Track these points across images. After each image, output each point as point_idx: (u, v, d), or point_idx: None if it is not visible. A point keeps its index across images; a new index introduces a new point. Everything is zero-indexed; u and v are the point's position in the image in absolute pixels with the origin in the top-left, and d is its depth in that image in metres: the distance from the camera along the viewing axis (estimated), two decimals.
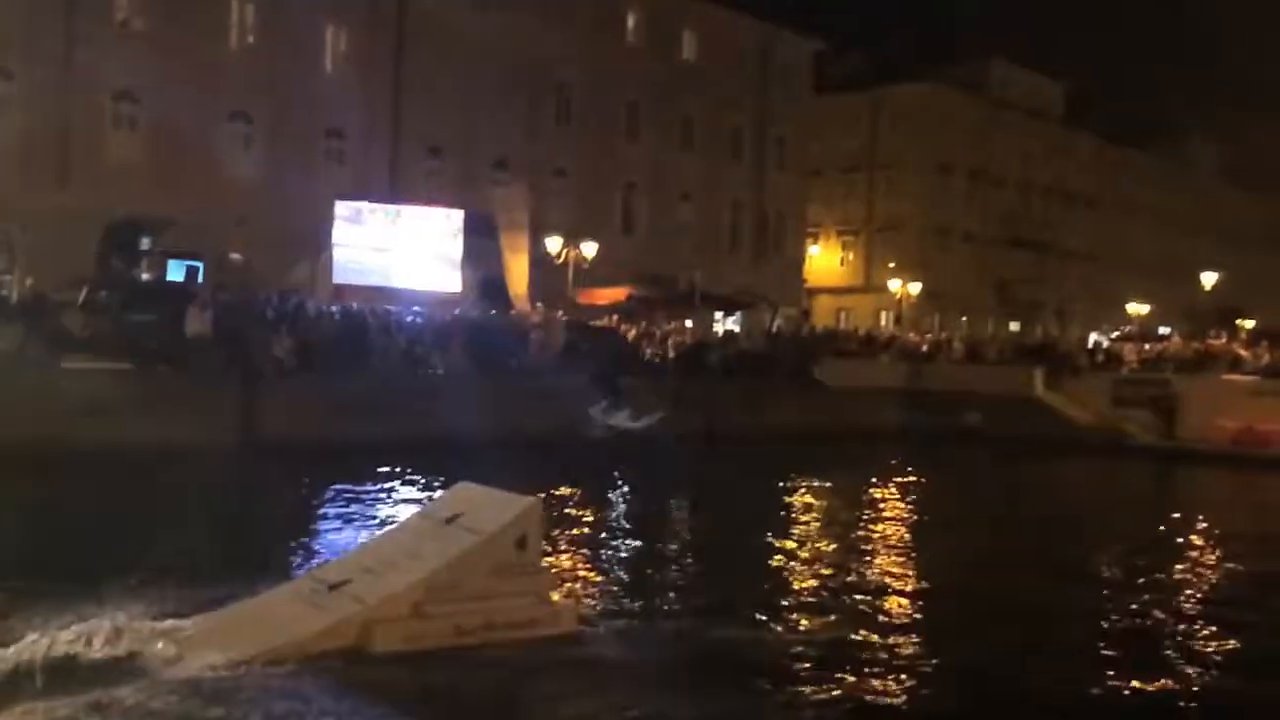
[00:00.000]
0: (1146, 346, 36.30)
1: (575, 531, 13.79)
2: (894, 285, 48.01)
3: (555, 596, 8.95)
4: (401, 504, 15.32)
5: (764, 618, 9.70)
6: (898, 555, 13.87)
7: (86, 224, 23.78)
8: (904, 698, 7.84)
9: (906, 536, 15.54)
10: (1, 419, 16.66)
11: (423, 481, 17.03)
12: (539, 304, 30.11)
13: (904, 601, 10.86)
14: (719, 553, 13.47)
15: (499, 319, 28.53)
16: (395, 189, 33.10)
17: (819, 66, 49.36)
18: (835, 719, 7.36)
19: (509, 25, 36.28)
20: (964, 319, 51.91)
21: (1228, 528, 16.93)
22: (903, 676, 8.22)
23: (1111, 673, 8.60)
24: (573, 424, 23.10)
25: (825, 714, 7.40)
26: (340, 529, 13.56)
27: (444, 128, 35.68)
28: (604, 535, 14.11)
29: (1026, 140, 56.89)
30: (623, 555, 12.94)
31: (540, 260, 31.66)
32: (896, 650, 8.92)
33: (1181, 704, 8.10)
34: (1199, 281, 44.71)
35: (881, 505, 18.58)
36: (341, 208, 29.00)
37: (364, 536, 12.12)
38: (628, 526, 15.43)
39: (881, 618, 10.06)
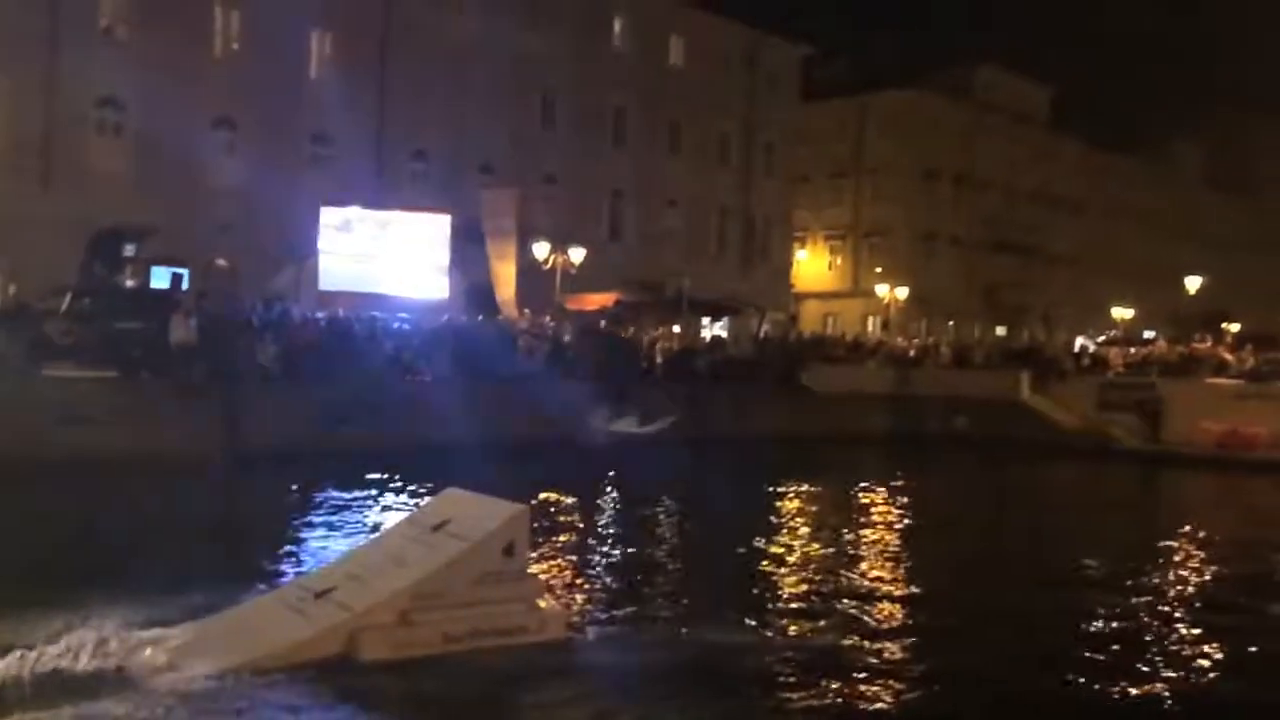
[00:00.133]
0: (1132, 350, 36.48)
1: (563, 538, 13.75)
2: (881, 290, 48.10)
3: (543, 603, 8.91)
4: (388, 511, 15.26)
5: (753, 623, 9.69)
6: (886, 560, 13.88)
7: (70, 231, 23.64)
8: (892, 702, 7.84)
9: (895, 541, 15.55)
10: None
11: (410, 488, 16.96)
12: (526, 310, 30.10)
13: (892, 606, 10.86)
14: (707, 558, 13.46)
15: (486, 325, 28.47)
16: (381, 195, 32.99)
17: (806, 72, 49.47)
18: None
19: (495, 30, 36.27)
20: (951, 324, 52.01)
21: (1213, 531, 16.98)
22: (891, 681, 8.21)
23: (1099, 677, 8.62)
24: (561, 429, 23.07)
25: None
26: (327, 536, 13.50)
27: (430, 133, 35.64)
28: (592, 541, 14.08)
29: (1012, 145, 57.10)
30: (611, 561, 12.92)
31: (528, 266, 31.62)
32: (885, 655, 8.93)
33: (1169, 707, 8.12)
34: (1184, 286, 44.91)
35: (870, 510, 18.59)
36: (329, 215, 28.93)
37: (350, 544, 12.07)
38: (616, 532, 15.40)
39: (870, 623, 10.06)
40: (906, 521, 17.66)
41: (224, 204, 29.58)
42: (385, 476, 17.90)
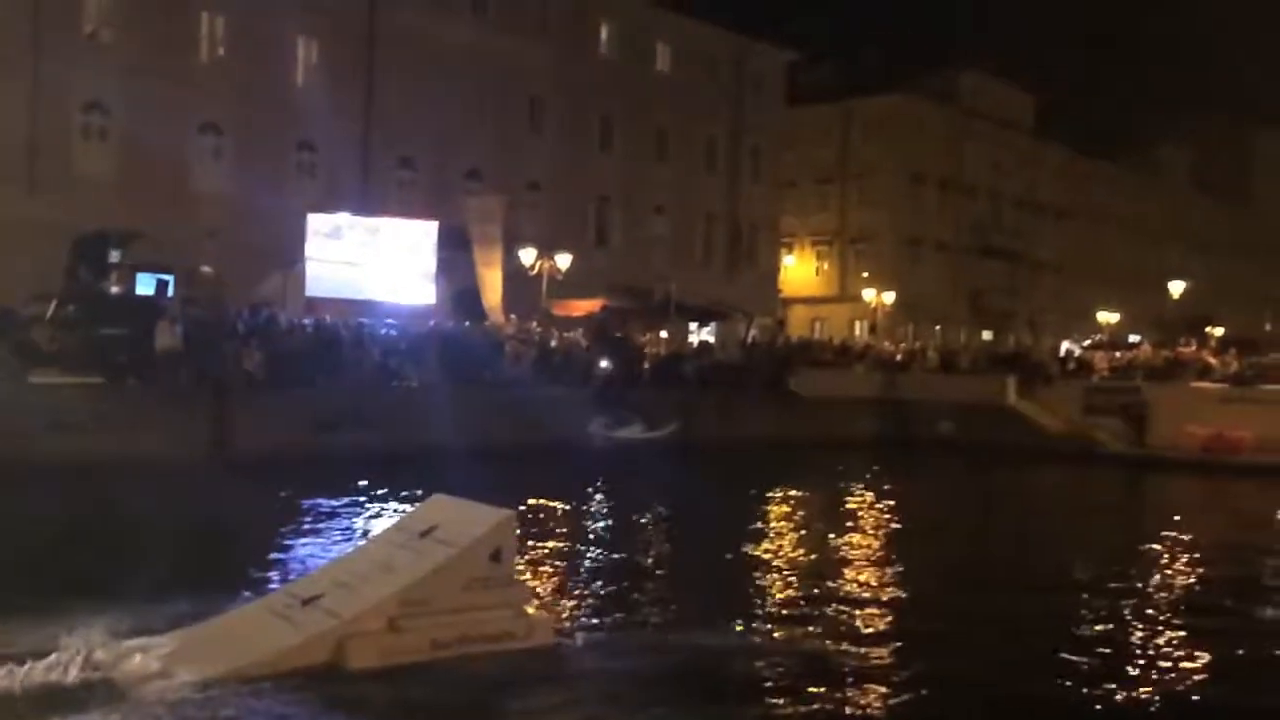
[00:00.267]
0: (1117, 355, 36.61)
1: (551, 543, 13.73)
2: (868, 295, 48.23)
3: (531, 609, 8.91)
4: (375, 518, 15.22)
5: (741, 628, 9.70)
6: (873, 565, 13.89)
7: (55, 236, 23.53)
8: (880, 707, 7.86)
9: (882, 546, 15.58)
10: None
11: (397, 494, 16.91)
12: (513, 315, 30.06)
13: (880, 611, 10.88)
14: (695, 564, 13.46)
15: (473, 331, 28.44)
16: (367, 201, 32.93)
17: (792, 77, 49.59)
18: None
19: (481, 36, 36.27)
20: (937, 328, 52.20)
21: (1199, 535, 17.05)
22: (879, 686, 8.23)
23: (1087, 681, 8.65)
24: (550, 435, 23.07)
25: None
26: (313, 543, 13.46)
27: (416, 139, 35.59)
28: (580, 547, 14.07)
29: (997, 151, 57.37)
30: (599, 567, 12.91)
31: (514, 272, 31.59)
32: (873, 660, 8.95)
33: (1156, 710, 8.16)
34: (1168, 290, 45.15)
35: (857, 515, 18.62)
36: (315, 221, 28.86)
37: (337, 551, 12.03)
38: (604, 538, 15.40)
39: (858, 627, 10.08)
40: (893, 526, 17.70)
41: (210, 210, 29.48)
42: (372, 483, 17.85)
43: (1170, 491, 24.94)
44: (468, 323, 29.04)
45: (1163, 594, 12.54)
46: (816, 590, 11.69)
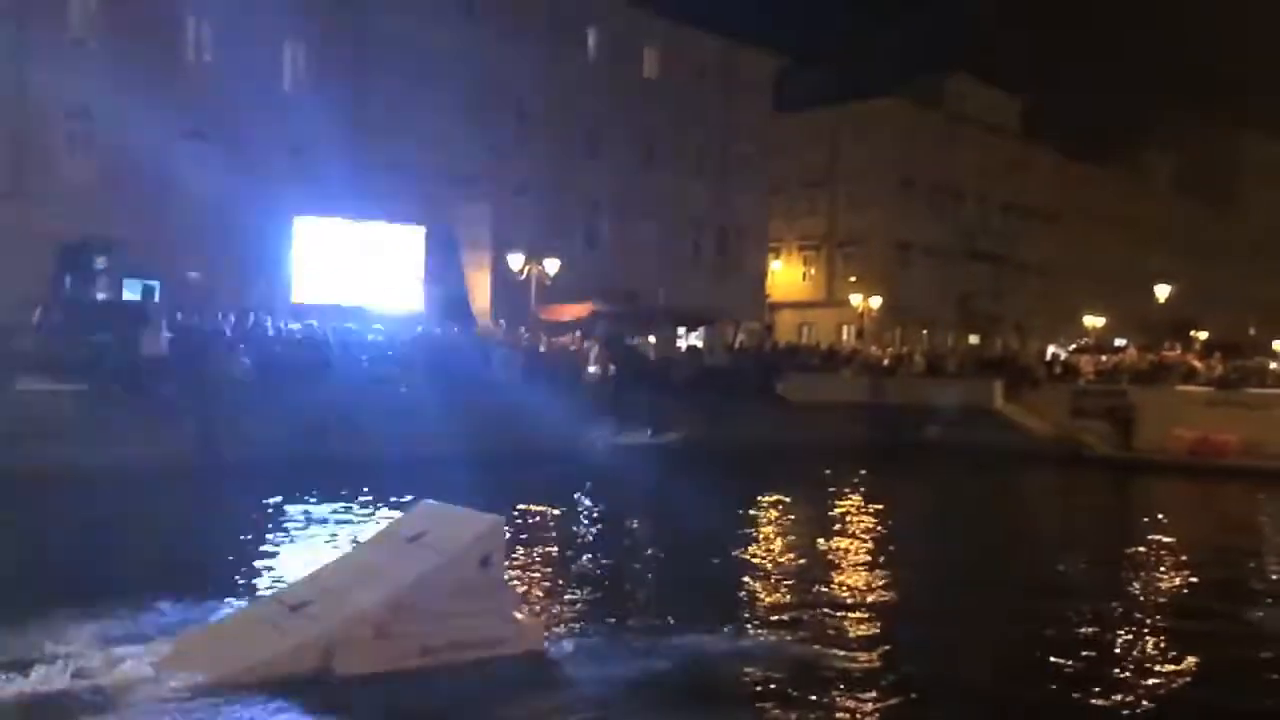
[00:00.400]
0: (1103, 358, 36.80)
1: (540, 548, 13.72)
2: (856, 300, 48.34)
3: (520, 615, 8.90)
4: (364, 524, 15.18)
5: (730, 633, 9.70)
6: (862, 569, 13.91)
7: (40, 243, 23.46)
8: (870, 711, 7.86)
9: (871, 550, 15.59)
10: None
11: (385, 500, 16.87)
12: (501, 321, 30.06)
13: (869, 615, 10.89)
14: (685, 569, 13.45)
15: (462, 336, 28.42)
16: (355, 207, 32.88)
17: (780, 83, 49.70)
18: None
19: (469, 42, 36.26)
20: (925, 333, 52.32)
21: (1186, 537, 17.14)
22: (869, 690, 8.25)
23: (1074, 684, 8.68)
24: (542, 441, 23.04)
25: None
26: (301, 549, 13.41)
27: (404, 145, 35.49)
28: (570, 552, 14.05)
29: (985, 155, 57.54)
30: (589, 571, 12.89)
31: (503, 277, 31.58)
32: (863, 664, 8.96)
33: (1143, 712, 8.18)
34: (1154, 294, 45.37)
35: (845, 518, 18.64)
36: (303, 226, 28.79)
37: (325, 557, 11.99)
38: (593, 542, 15.38)
39: (847, 632, 10.09)
40: (882, 530, 17.71)
41: (196, 216, 29.35)
42: (360, 489, 17.81)
43: (1157, 494, 25.05)
44: (456, 328, 29.02)
45: (1150, 597, 12.59)
46: (806, 594, 11.70)
